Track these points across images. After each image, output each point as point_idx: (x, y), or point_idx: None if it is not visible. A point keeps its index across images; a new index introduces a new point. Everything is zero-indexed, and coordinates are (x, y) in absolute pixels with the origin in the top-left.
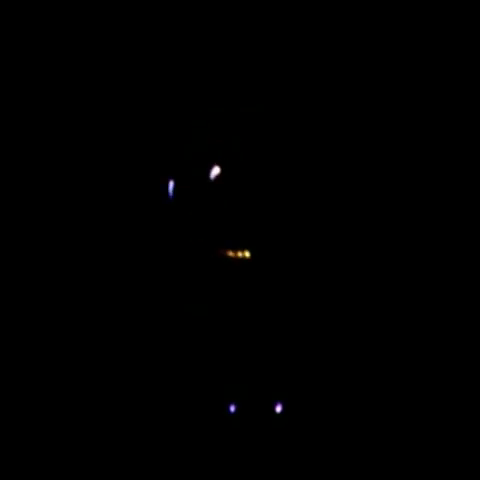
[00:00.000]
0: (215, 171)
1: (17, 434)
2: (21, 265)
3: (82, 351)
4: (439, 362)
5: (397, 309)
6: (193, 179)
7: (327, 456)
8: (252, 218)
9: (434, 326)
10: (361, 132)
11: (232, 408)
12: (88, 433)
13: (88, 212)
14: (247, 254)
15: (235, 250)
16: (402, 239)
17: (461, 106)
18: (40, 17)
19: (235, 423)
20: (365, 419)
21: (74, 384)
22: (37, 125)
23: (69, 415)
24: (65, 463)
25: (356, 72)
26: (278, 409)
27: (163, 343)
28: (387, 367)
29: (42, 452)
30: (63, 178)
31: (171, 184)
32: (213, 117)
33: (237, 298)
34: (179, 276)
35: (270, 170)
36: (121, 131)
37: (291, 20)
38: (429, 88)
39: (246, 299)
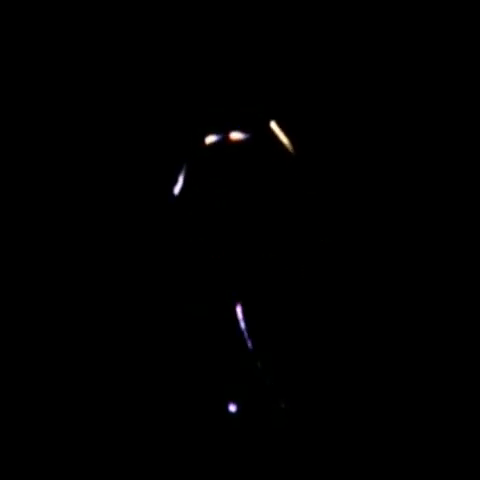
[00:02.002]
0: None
1: (17, 434)
2: (21, 265)
3: (82, 351)
4: (439, 361)
5: (397, 308)
6: (194, 178)
7: (328, 456)
8: (251, 217)
9: (434, 326)
10: (361, 132)
11: (233, 407)
12: (88, 433)
13: (88, 212)
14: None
15: (234, 250)
16: (403, 238)
17: (461, 106)
18: (40, 17)
19: (236, 423)
20: (365, 419)
21: (74, 384)
22: (37, 125)
23: (69, 415)
24: (65, 463)
25: (356, 72)
26: (279, 408)
27: (163, 343)
28: (387, 367)
29: (42, 452)
30: (63, 178)
31: (179, 181)
32: (213, 117)
33: (237, 297)
34: (179, 276)
35: (269, 171)
36: (122, 131)
37: (291, 20)
38: (429, 88)
39: (247, 299)
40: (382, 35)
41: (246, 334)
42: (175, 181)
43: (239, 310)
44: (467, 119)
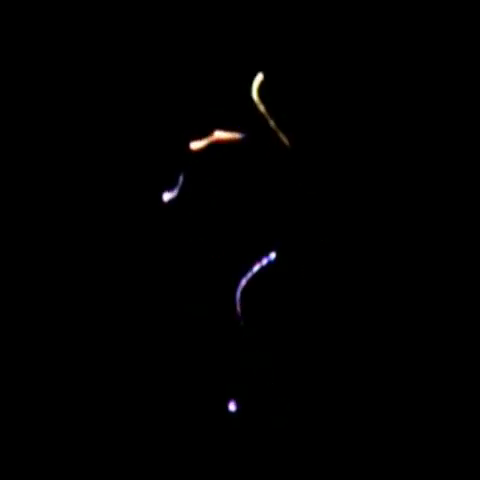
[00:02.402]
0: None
1: (17, 434)
2: (21, 266)
3: (82, 351)
4: (439, 361)
5: (398, 309)
6: (194, 179)
7: (327, 456)
8: (251, 218)
9: (435, 326)
10: (361, 133)
11: (232, 407)
12: (88, 433)
13: (88, 212)
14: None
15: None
16: (403, 238)
17: (461, 106)
18: (40, 17)
19: (235, 423)
20: (365, 419)
21: (74, 384)
22: (37, 125)
23: (69, 415)
24: (65, 463)
25: (356, 72)
26: (278, 408)
27: (163, 343)
28: (387, 367)
29: (42, 452)
30: (63, 179)
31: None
32: (212, 117)
33: (238, 298)
34: (179, 276)
35: (269, 172)
36: (121, 132)
37: (291, 20)
38: (429, 88)
39: (247, 299)
40: (380, 35)
41: (246, 333)
42: (174, 182)
43: (239, 309)
44: (467, 117)
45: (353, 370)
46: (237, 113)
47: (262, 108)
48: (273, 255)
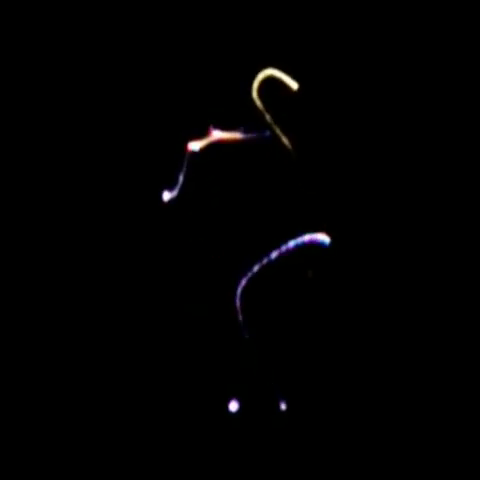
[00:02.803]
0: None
1: (17, 434)
2: (21, 266)
3: (82, 351)
4: (439, 361)
5: (399, 309)
6: (193, 181)
7: (327, 456)
8: (251, 219)
9: (435, 325)
10: (361, 134)
11: (233, 407)
12: (88, 433)
13: (88, 212)
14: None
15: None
16: (403, 236)
17: (461, 106)
18: (40, 17)
19: (236, 422)
20: (365, 419)
21: (74, 384)
22: (37, 125)
23: (69, 415)
24: (65, 463)
25: (356, 72)
26: (280, 407)
27: (163, 343)
28: (387, 367)
29: (42, 452)
30: (63, 179)
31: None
32: (212, 117)
33: (238, 298)
34: (180, 275)
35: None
36: (121, 132)
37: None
38: (429, 88)
39: (248, 299)
40: (380, 35)
41: (246, 333)
42: (174, 182)
43: (239, 309)
44: (466, 117)
45: (353, 369)
46: (236, 113)
47: (261, 108)
48: (273, 255)
